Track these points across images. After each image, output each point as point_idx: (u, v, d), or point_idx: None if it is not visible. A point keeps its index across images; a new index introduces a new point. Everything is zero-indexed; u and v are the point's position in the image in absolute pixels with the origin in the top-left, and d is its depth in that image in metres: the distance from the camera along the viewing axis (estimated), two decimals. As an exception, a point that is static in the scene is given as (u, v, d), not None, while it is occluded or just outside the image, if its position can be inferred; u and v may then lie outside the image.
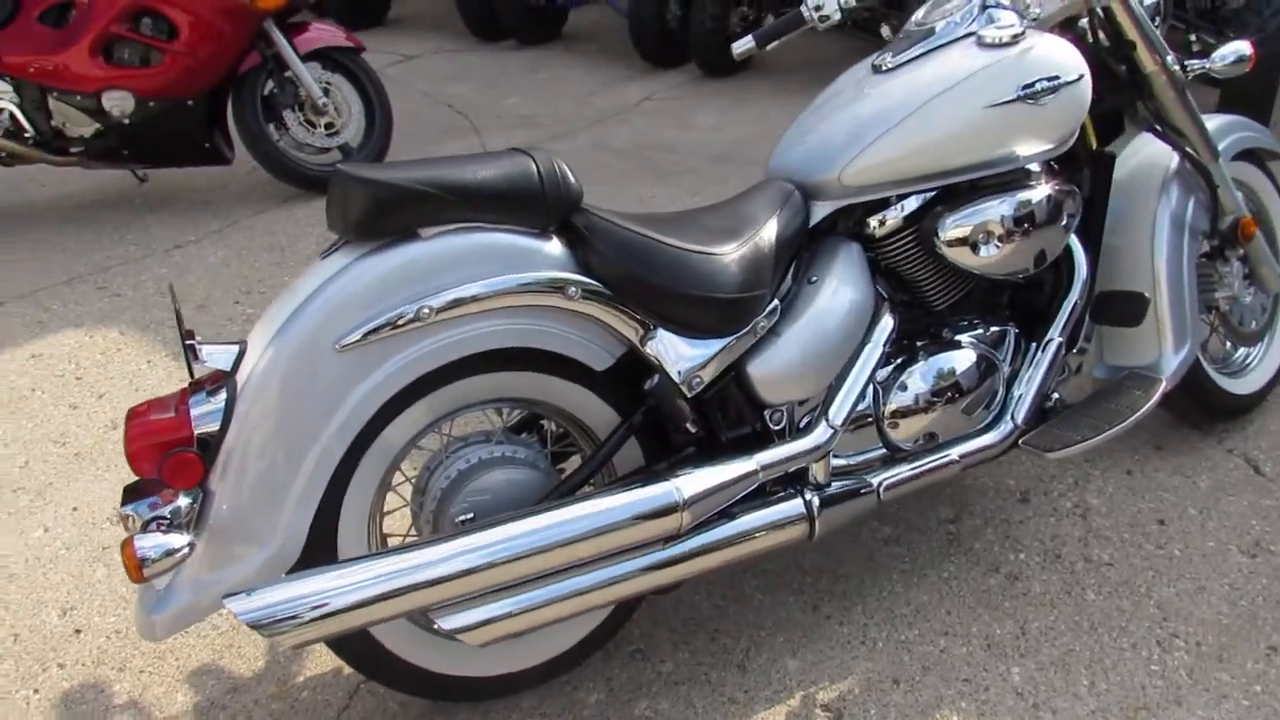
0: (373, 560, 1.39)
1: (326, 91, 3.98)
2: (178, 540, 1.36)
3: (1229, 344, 2.35)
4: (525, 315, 1.52)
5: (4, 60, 3.60)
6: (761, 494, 1.70)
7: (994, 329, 1.92)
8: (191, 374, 1.43)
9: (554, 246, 1.54)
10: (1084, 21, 1.99)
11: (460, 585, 1.41)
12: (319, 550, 1.50)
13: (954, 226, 1.76)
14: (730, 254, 1.62)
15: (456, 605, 1.47)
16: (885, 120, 1.74)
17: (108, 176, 4.30)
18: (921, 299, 1.88)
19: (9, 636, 1.98)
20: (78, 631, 1.98)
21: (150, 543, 1.34)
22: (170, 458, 1.37)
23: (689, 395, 1.62)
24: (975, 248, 1.76)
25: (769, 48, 2.15)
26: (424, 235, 1.48)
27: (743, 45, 2.11)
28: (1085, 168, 1.98)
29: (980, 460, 1.88)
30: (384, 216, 1.45)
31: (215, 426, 1.41)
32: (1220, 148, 2.16)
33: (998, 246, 1.77)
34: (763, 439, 1.70)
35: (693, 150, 4.47)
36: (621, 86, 5.46)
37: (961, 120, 1.72)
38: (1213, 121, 2.22)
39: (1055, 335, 1.92)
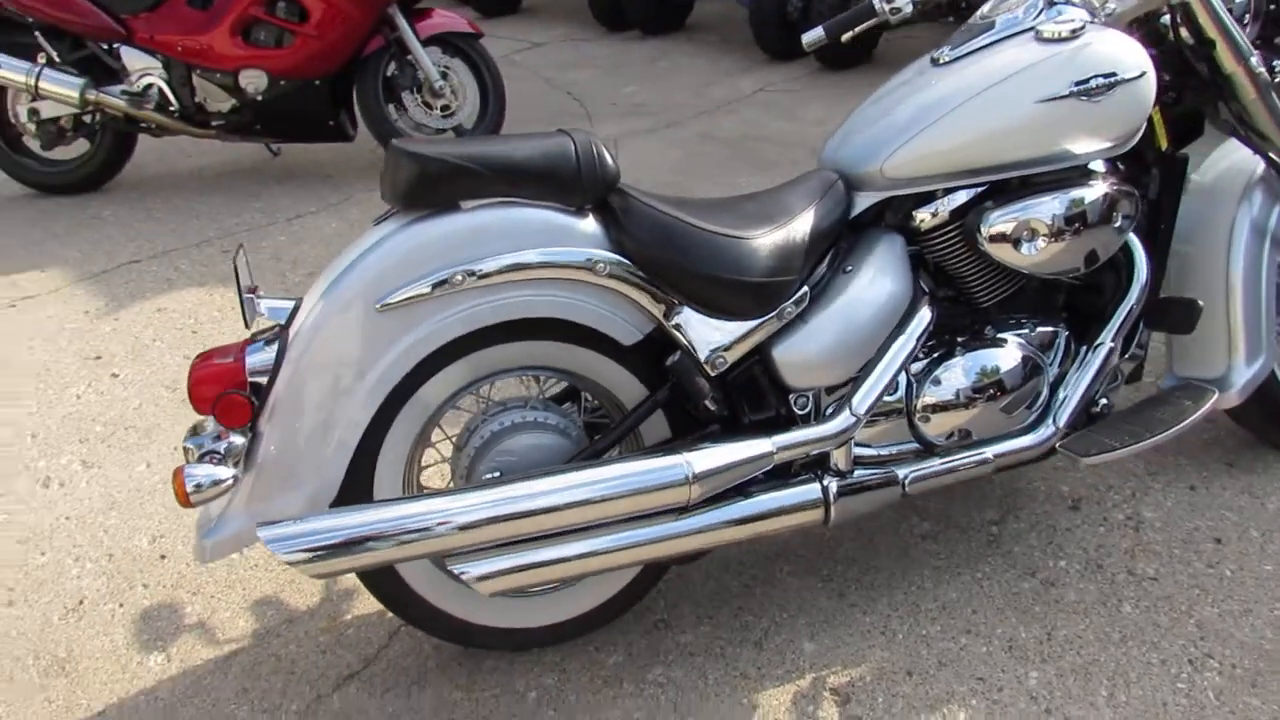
0: (393, 504, 1.51)
1: (444, 75, 4.18)
2: (224, 472, 1.50)
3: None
4: (556, 288, 1.60)
5: (155, 39, 3.93)
6: (783, 475, 1.74)
7: (1042, 329, 1.89)
8: (247, 325, 1.58)
9: (588, 224, 1.62)
10: (1165, 18, 1.93)
11: (471, 535, 1.51)
12: (356, 494, 1.63)
13: (997, 222, 1.74)
14: (759, 239, 1.66)
15: (473, 554, 1.57)
16: (931, 113, 1.74)
17: (244, 149, 4.62)
18: (967, 295, 1.88)
19: (104, 556, 2.21)
20: (163, 557, 2.19)
21: (200, 472, 1.49)
22: (222, 399, 1.52)
23: (712, 374, 1.67)
24: (1018, 244, 1.75)
25: (846, 38, 2.15)
26: (465, 207, 1.58)
27: (812, 35, 2.13)
28: (1153, 169, 1.93)
29: (1016, 462, 1.86)
30: (428, 188, 1.56)
31: (267, 374, 1.56)
32: (1317, 155, 2.06)
33: (1042, 244, 1.75)
34: (786, 422, 1.74)
35: (796, 142, 4.47)
36: (737, 77, 5.49)
37: (1010, 115, 1.71)
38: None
39: (1107, 339, 1.88)
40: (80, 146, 4.23)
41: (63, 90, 3.93)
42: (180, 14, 3.92)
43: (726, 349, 1.67)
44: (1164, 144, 1.90)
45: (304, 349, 1.54)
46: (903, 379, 1.81)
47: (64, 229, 3.98)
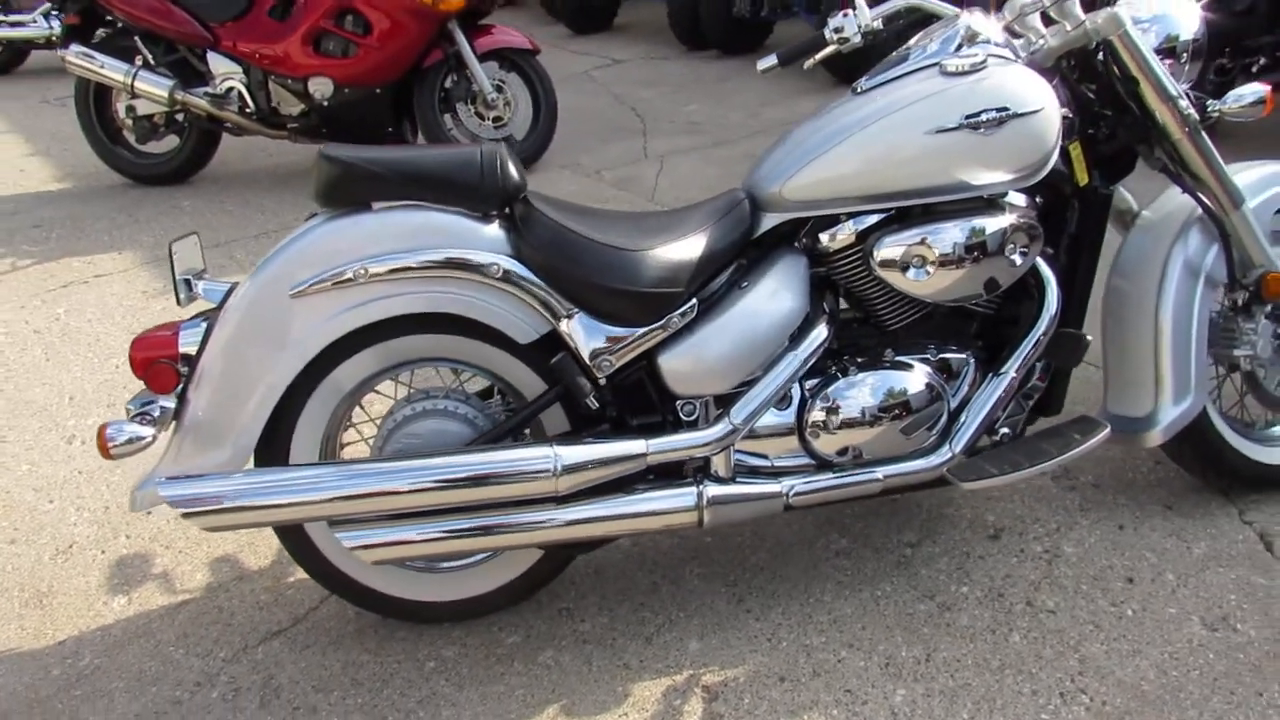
0: (279, 471, 1.68)
1: (499, 88, 4.40)
2: (144, 430, 1.69)
3: (1259, 407, 2.17)
4: (455, 286, 1.74)
5: (238, 47, 4.28)
6: (675, 476, 1.84)
7: (946, 355, 1.93)
8: (180, 303, 1.78)
9: (490, 229, 1.75)
10: (1101, 55, 1.94)
11: (348, 505, 1.67)
12: (274, 462, 1.81)
13: (889, 248, 1.79)
14: (648, 252, 1.77)
15: (358, 524, 1.73)
16: (831, 140, 1.81)
17: (310, 149, 4.94)
18: (873, 317, 1.93)
19: (101, 508, 2.47)
20: (148, 513, 2.43)
21: (121, 429, 1.69)
22: (153, 366, 1.72)
23: (599, 376, 1.78)
24: (908, 270, 1.79)
25: (808, 65, 2.24)
26: (375, 208, 1.74)
27: (766, 62, 2.22)
28: (1073, 202, 1.93)
29: (907, 484, 1.90)
30: (342, 189, 1.73)
31: (197, 347, 1.75)
32: (1265, 196, 2.03)
33: (931, 271, 1.79)
34: (674, 427, 1.83)
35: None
36: (796, 99, 5.54)
37: (901, 144, 1.76)
38: (1264, 168, 2.08)
39: (1010, 369, 1.89)
40: (170, 142, 4.63)
41: (154, 90, 4.33)
42: (261, 24, 4.26)
43: (613, 354, 1.77)
44: (1083, 179, 1.91)
45: (227, 327, 1.73)
46: (797, 394, 1.88)
47: (146, 216, 4.37)
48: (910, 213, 1.84)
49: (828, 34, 2.14)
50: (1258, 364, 2.09)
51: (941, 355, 1.93)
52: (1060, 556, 2.08)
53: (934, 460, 1.89)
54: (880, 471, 1.88)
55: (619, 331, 1.77)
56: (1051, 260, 1.94)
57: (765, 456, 1.91)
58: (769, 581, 2.08)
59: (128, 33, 4.40)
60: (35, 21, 6.80)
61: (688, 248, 1.79)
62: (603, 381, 1.79)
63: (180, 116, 4.51)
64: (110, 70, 4.32)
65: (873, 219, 1.85)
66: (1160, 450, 2.12)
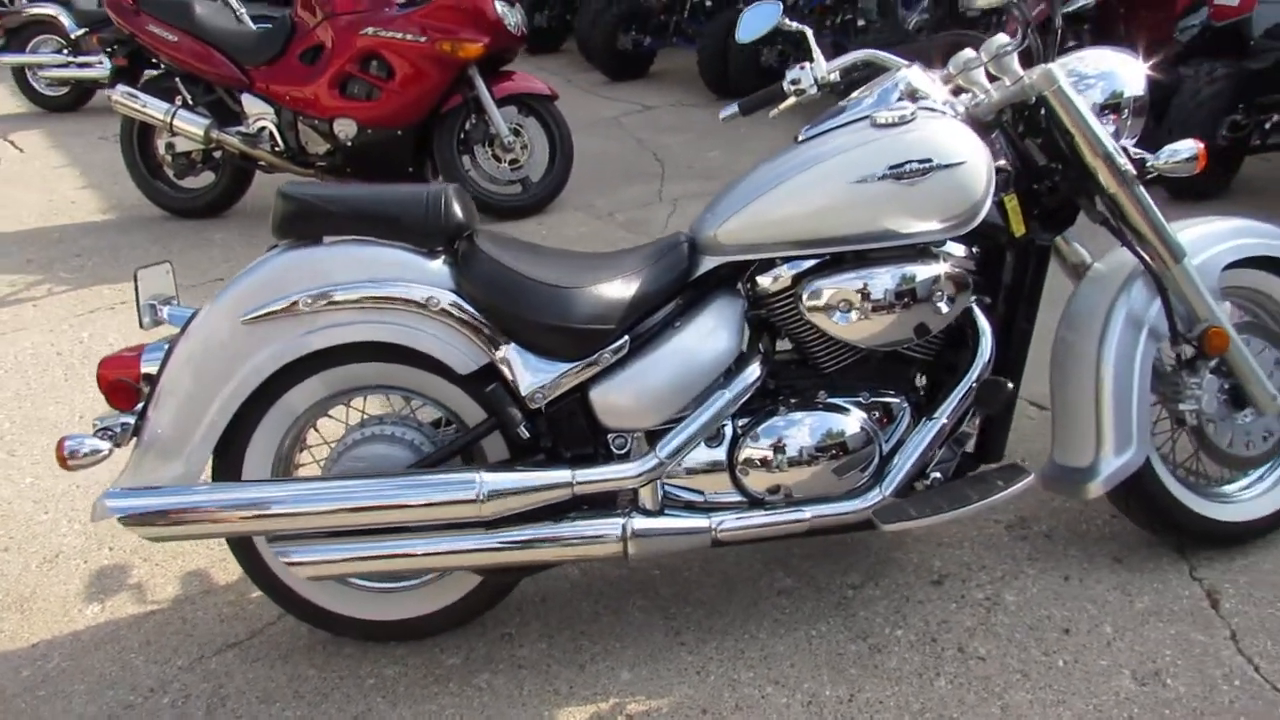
0: (218, 488, 1.78)
1: (516, 132, 4.54)
2: (102, 445, 1.80)
3: (1211, 464, 2.15)
4: (397, 317, 1.83)
5: (270, 89, 4.49)
6: (605, 508, 1.89)
7: (879, 399, 1.96)
8: (142, 327, 1.90)
9: (434, 264, 1.85)
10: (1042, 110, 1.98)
11: (281, 521, 1.76)
12: (228, 479, 1.90)
13: (815, 292, 1.85)
14: (582, 290, 1.84)
15: (296, 540, 1.81)
16: (764, 187, 1.87)
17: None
18: (809, 359, 1.97)
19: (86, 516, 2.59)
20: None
21: (81, 442, 1.80)
22: (114, 384, 1.84)
23: (532, 407, 1.85)
24: (834, 314, 1.84)
25: (773, 115, 2.31)
26: (325, 242, 1.85)
27: (727, 111, 2.29)
28: (1008, 253, 1.97)
29: (835, 525, 1.93)
30: (295, 224, 1.84)
31: (157, 368, 1.86)
32: (1211, 252, 2.04)
33: (856, 316, 1.84)
34: (604, 460, 1.89)
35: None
36: (817, 148, 5.60)
37: (827, 193, 1.82)
38: (1213, 224, 2.10)
39: (942, 415, 1.92)
40: (206, 178, 4.85)
41: (192, 128, 4.55)
42: (292, 68, 4.47)
43: (545, 386, 1.84)
44: (1019, 230, 1.94)
45: (185, 350, 1.84)
46: (729, 432, 1.93)
47: (179, 248, 4.58)
48: (844, 258, 1.89)
49: (786, 86, 2.20)
50: (1206, 419, 2.08)
51: (875, 399, 1.96)
52: (1000, 604, 2.08)
53: (863, 502, 1.91)
54: (809, 511, 1.91)
55: (552, 365, 1.84)
56: (989, 309, 1.98)
57: (700, 492, 1.96)
58: (708, 616, 2.11)
59: (171, 74, 4.65)
60: (101, 63, 7.17)
61: (621, 287, 1.87)
62: (542, 411, 1.85)
63: (217, 154, 4.73)
64: (152, 109, 4.56)
65: (808, 264, 1.90)
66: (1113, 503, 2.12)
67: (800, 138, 1.98)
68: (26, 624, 2.23)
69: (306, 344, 1.83)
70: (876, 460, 1.94)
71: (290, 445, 1.98)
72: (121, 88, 4.60)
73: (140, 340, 1.97)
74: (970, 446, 2.04)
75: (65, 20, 7.38)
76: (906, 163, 1.79)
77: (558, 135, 4.63)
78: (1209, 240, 2.05)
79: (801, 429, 1.90)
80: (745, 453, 1.91)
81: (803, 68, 2.18)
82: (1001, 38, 1.92)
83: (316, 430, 2.05)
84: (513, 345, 1.84)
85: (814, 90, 2.18)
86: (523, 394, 1.84)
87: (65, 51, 7.32)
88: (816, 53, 2.20)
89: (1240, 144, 4.12)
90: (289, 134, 4.55)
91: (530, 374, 1.84)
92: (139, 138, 4.81)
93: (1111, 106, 1.99)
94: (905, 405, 1.97)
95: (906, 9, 5.86)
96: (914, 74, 1.96)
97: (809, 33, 2.24)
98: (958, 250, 1.94)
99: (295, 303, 1.80)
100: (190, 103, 4.63)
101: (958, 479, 1.97)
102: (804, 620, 2.08)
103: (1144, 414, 2.00)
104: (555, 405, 1.87)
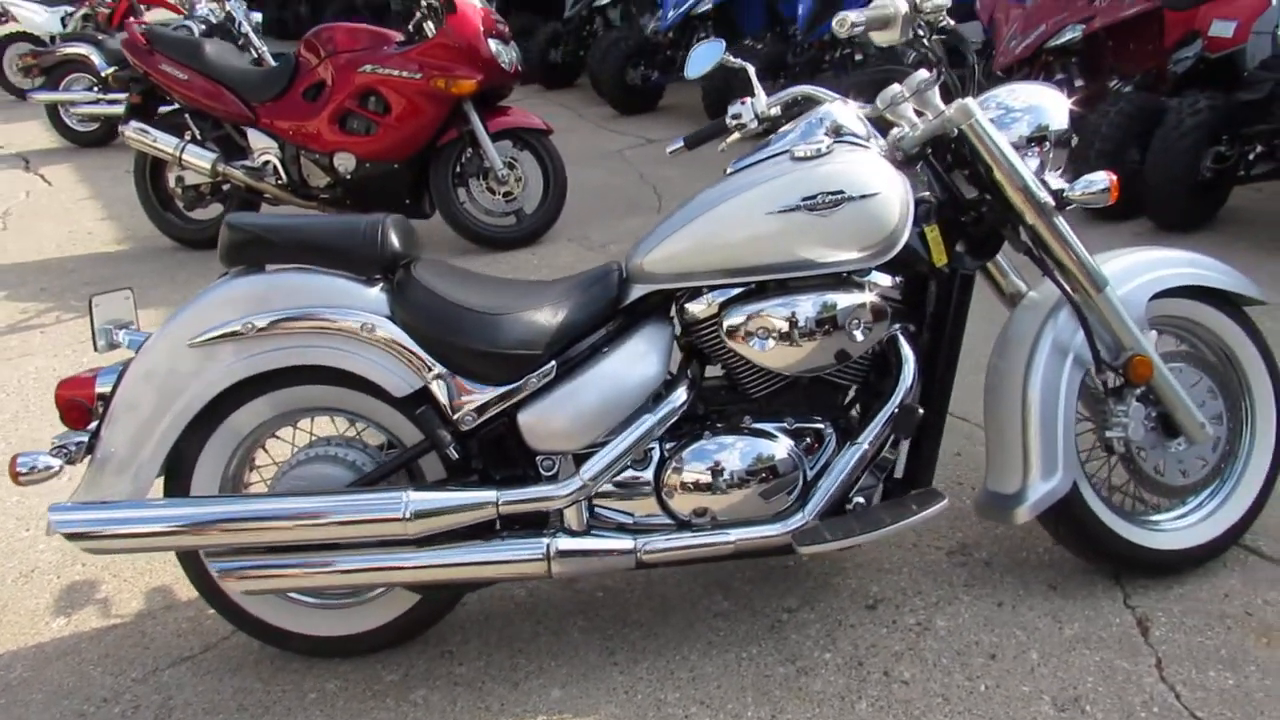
0: (152, 505, 1.86)
1: (511, 165, 4.65)
2: (53, 462, 1.89)
3: (1143, 491, 2.16)
4: (334, 342, 1.91)
5: (274, 124, 4.65)
6: (531, 527, 1.95)
7: (805, 424, 2.01)
8: (96, 349, 2.00)
9: (371, 291, 1.93)
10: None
11: (215, 536, 1.83)
12: (177, 495, 1.99)
13: (734, 319, 1.90)
14: (509, 316, 1.91)
15: (232, 555, 1.89)
16: (687, 218, 1.94)
17: (353, 220, 5.28)
18: (738, 385, 2.03)
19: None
20: (105, 543, 2.64)
21: (34, 459, 1.89)
22: (67, 403, 1.93)
23: (462, 429, 1.92)
24: (751, 340, 1.89)
25: (722, 148, 2.39)
26: (268, 270, 1.94)
27: (674, 146, 2.37)
28: (931, 282, 2.01)
29: (760, 548, 1.97)
30: (239, 253, 1.94)
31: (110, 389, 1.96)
32: (1139, 281, 2.07)
33: (773, 343, 1.89)
34: (533, 481, 1.95)
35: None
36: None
37: (744, 223, 1.88)
38: (1140, 254, 2.13)
39: (864, 441, 1.96)
40: (214, 210, 5.01)
41: (199, 162, 4.72)
42: (295, 104, 4.62)
43: (475, 409, 1.91)
44: (940, 260, 1.99)
45: (135, 372, 1.94)
46: (656, 455, 1.98)
47: (185, 278, 4.73)
48: (767, 286, 1.95)
49: (729, 120, 2.28)
50: (1136, 447, 2.10)
51: (801, 424, 2.01)
52: (930, 630, 2.10)
53: (786, 526, 1.95)
54: (733, 534, 1.95)
55: (480, 389, 1.91)
56: (914, 337, 2.02)
57: (631, 514, 2.01)
58: (643, 637, 2.16)
59: (182, 111, 4.82)
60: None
61: (549, 314, 1.93)
62: (473, 433, 1.92)
63: (225, 187, 4.89)
64: (162, 144, 4.74)
65: (734, 291, 1.96)
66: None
67: (729, 170, 2.05)
68: (-5, 636, 2.33)
69: (249, 367, 1.91)
70: (801, 485, 1.98)
71: (239, 465, 2.07)
72: (134, 123, 4.78)
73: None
74: (899, 472, 2.07)
75: (96, 59, 7.67)
76: (819, 194, 1.85)
77: (552, 168, 4.74)
78: (1135, 270, 2.08)
79: (726, 453, 1.95)
80: (670, 476, 1.96)
81: (744, 103, 2.26)
82: (922, 73, 1.98)
83: (266, 451, 2.14)
84: (444, 369, 1.91)
85: (754, 124, 2.26)
86: (453, 416, 1.91)
87: (95, 89, 7.58)
88: (758, 88, 2.28)
89: (1226, 175, 4.12)
90: (292, 168, 4.70)
91: (459, 397, 1.91)
92: (151, 172, 4.99)
93: (1037, 139, 2.03)
94: (831, 431, 2.02)
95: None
96: (837, 109, 2.02)
97: (750, 69, 2.31)
98: (883, 279, 1.99)
99: (238, 327, 1.89)
100: (199, 138, 4.80)
101: (873, 505, 2.00)
102: (736, 642, 2.11)
103: (1070, 440, 2.02)
104: (485, 428, 1.94)
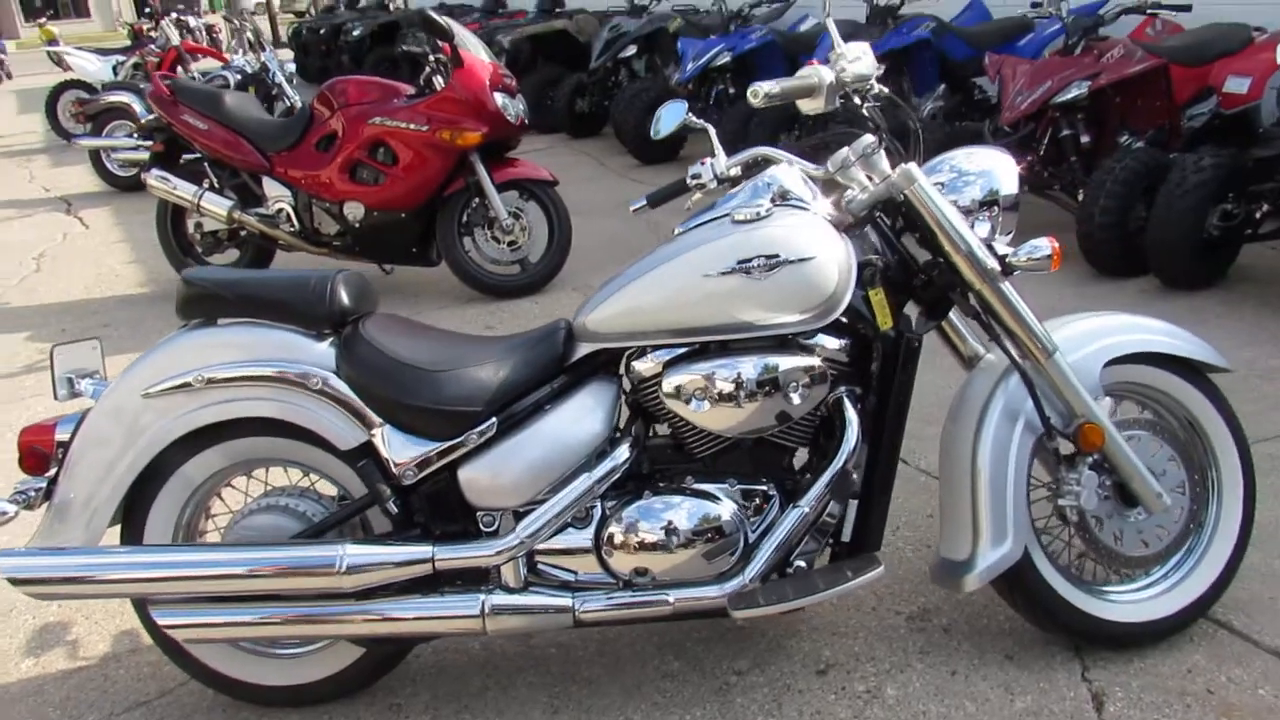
0: (97, 553, 1.89)
1: (516, 215, 4.72)
2: (8, 508, 1.94)
3: (1102, 561, 2.11)
4: (281, 395, 1.95)
5: (288, 173, 4.77)
6: (472, 583, 1.96)
7: (747, 486, 2.00)
8: (56, 398, 2.05)
9: (319, 346, 1.97)
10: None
11: (155, 586, 1.87)
12: (132, 541, 2.03)
13: (672, 380, 1.91)
14: (451, 374, 1.94)
15: (175, 604, 1.92)
16: (629, 278, 1.96)
17: (369, 267, 5.34)
18: (682, 445, 2.03)
19: (46, 577, 2.74)
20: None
21: (-11, 504, 1.95)
22: (27, 450, 1.99)
23: (403, 483, 1.94)
24: (690, 401, 1.90)
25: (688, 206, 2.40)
26: (219, 324, 1.99)
27: (637, 204, 2.40)
28: (876, 345, 2.00)
29: (698, 610, 1.95)
30: (193, 307, 2.00)
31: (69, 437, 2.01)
32: (1092, 347, 2.05)
33: (712, 405, 1.89)
34: (475, 536, 1.96)
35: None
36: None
37: (680, 285, 1.89)
38: (1094, 320, 2.10)
39: (805, 503, 1.94)
40: (231, 255, 5.14)
41: (216, 209, 4.85)
42: (308, 154, 4.75)
43: (415, 464, 1.93)
44: (884, 324, 1.97)
45: (93, 420, 1.99)
46: (598, 512, 1.98)
47: (198, 320, 4.84)
48: (709, 347, 1.95)
49: (689, 180, 2.30)
50: (1092, 516, 2.06)
51: (743, 486, 2.00)
52: (879, 698, 2.06)
53: (724, 589, 1.94)
54: (671, 595, 1.94)
55: (420, 444, 1.93)
56: (860, 400, 2.00)
57: (574, 572, 2.01)
58: (590, 695, 2.14)
59: (203, 159, 4.98)
60: (167, 146, 7.67)
61: (491, 370, 1.96)
62: (415, 488, 1.94)
63: (241, 233, 5.02)
64: (182, 190, 4.88)
65: (679, 351, 1.97)
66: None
67: (676, 231, 2.07)
68: (-36, 676, 2.38)
69: (198, 418, 1.96)
70: (743, 547, 1.96)
71: (193, 514, 2.10)
72: (156, 171, 4.94)
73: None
74: (847, 535, 2.05)
75: (137, 106, 7.94)
76: (755, 258, 1.86)
77: (557, 218, 4.80)
78: (1090, 336, 2.06)
79: (666, 513, 1.95)
80: (610, 535, 1.95)
81: (703, 163, 2.28)
82: (868, 138, 1.99)
83: (222, 500, 2.17)
84: (386, 424, 1.94)
85: (713, 184, 2.27)
86: (393, 470, 1.93)
87: (135, 135, 7.84)
88: (718, 148, 2.29)
89: (1234, 233, 4.05)
90: (304, 215, 4.81)
91: (400, 452, 1.93)
92: (173, 218, 5.14)
93: (989, 203, 2.03)
94: (775, 493, 2.00)
95: (919, 96, 5.94)
96: (783, 171, 2.04)
97: (711, 130, 2.34)
98: (830, 342, 1.98)
99: (189, 379, 1.94)
100: (217, 185, 4.94)
101: (810, 570, 1.98)
102: (681, 704, 2.09)
103: (1020, 507, 1.99)
104: (426, 482, 1.96)
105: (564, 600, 1.94)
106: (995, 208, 2.01)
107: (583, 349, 2.01)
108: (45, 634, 2.51)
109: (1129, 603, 2.10)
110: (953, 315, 2.14)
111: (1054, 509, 2.10)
